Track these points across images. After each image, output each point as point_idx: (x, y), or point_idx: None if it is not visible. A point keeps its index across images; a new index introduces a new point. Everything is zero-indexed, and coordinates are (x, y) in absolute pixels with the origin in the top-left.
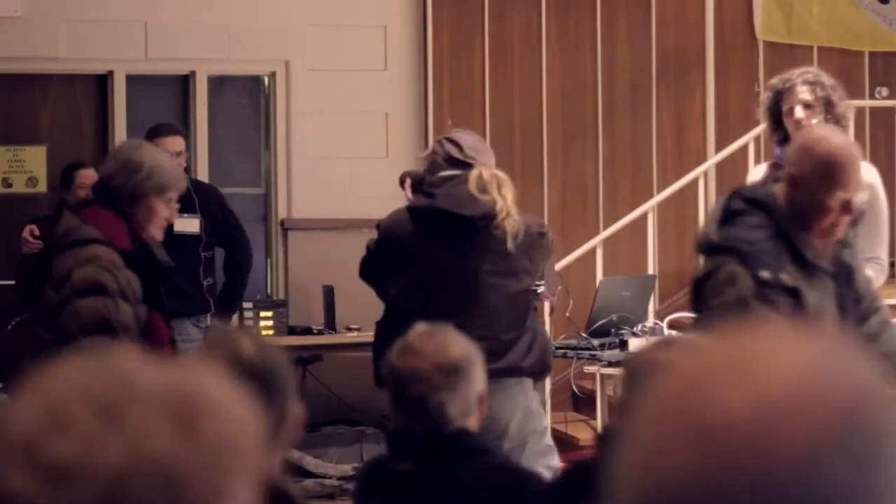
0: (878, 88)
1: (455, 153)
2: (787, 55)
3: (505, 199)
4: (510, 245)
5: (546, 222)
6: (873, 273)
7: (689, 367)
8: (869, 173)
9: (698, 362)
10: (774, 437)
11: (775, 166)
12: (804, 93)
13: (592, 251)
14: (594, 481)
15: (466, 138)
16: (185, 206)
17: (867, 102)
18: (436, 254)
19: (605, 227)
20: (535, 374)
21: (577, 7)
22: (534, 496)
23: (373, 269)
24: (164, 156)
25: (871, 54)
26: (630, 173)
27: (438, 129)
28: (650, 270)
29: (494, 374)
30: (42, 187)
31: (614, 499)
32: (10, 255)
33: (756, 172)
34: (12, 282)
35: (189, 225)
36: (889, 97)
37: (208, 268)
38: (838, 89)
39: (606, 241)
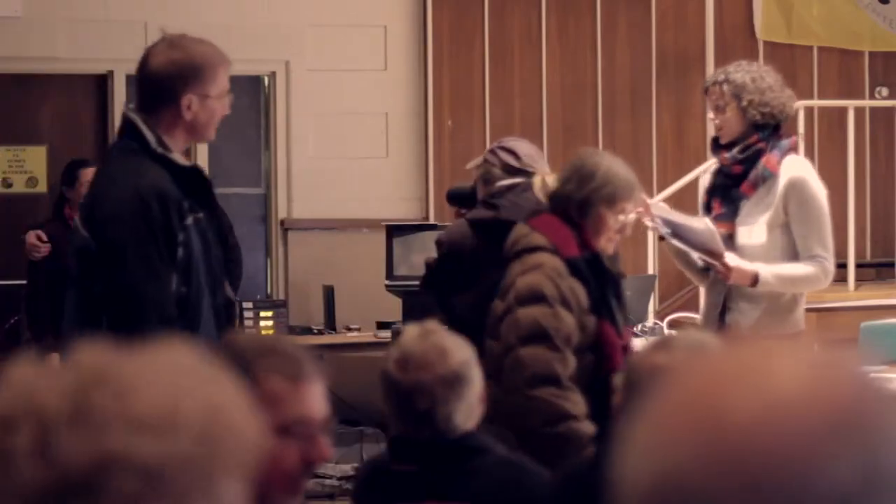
0: (878, 88)
1: (513, 162)
2: (787, 55)
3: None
4: None
5: None
6: (811, 272)
7: (699, 371)
8: (797, 167)
9: (709, 366)
10: (783, 438)
11: (720, 167)
12: (714, 95)
13: None
14: (594, 477)
15: (522, 146)
16: None
17: (867, 102)
18: (502, 266)
19: None
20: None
21: (577, 7)
22: (535, 491)
23: (438, 285)
24: (620, 165)
25: (871, 54)
26: None
27: (438, 129)
28: (650, 270)
29: None
30: (42, 187)
31: (621, 498)
32: (10, 255)
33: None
34: (12, 282)
35: None
36: (889, 97)
37: None
38: (764, 86)
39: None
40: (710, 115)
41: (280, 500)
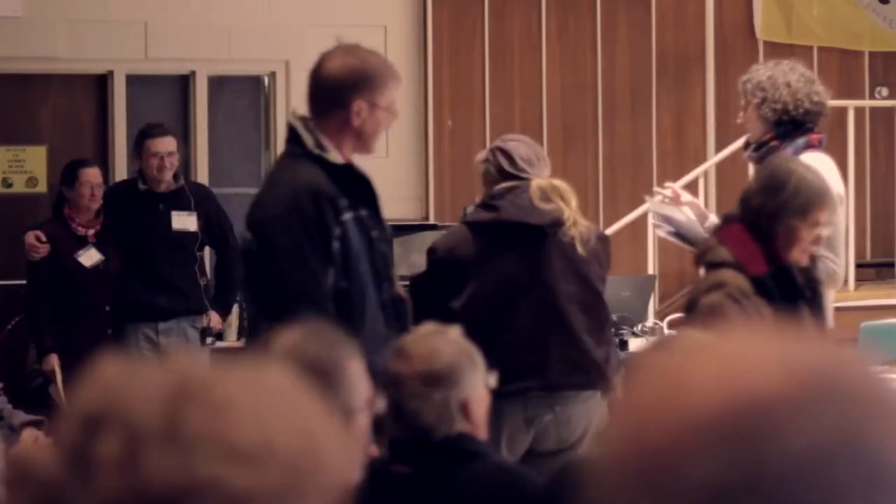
0: (878, 88)
1: (507, 166)
2: (787, 55)
3: (570, 207)
4: (581, 251)
5: None
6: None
7: (669, 362)
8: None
9: (679, 356)
10: (664, 433)
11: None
12: (743, 97)
13: None
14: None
15: (520, 149)
16: (182, 204)
17: (867, 102)
18: (506, 267)
19: (605, 227)
20: (610, 387)
21: (577, 7)
22: (530, 498)
23: (432, 291)
24: (812, 173)
25: (871, 54)
26: (630, 173)
27: (438, 129)
28: (650, 270)
29: (575, 387)
30: (42, 187)
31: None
32: (10, 256)
33: None
34: (12, 282)
35: (187, 223)
36: (889, 97)
37: (201, 267)
38: (779, 85)
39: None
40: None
41: None
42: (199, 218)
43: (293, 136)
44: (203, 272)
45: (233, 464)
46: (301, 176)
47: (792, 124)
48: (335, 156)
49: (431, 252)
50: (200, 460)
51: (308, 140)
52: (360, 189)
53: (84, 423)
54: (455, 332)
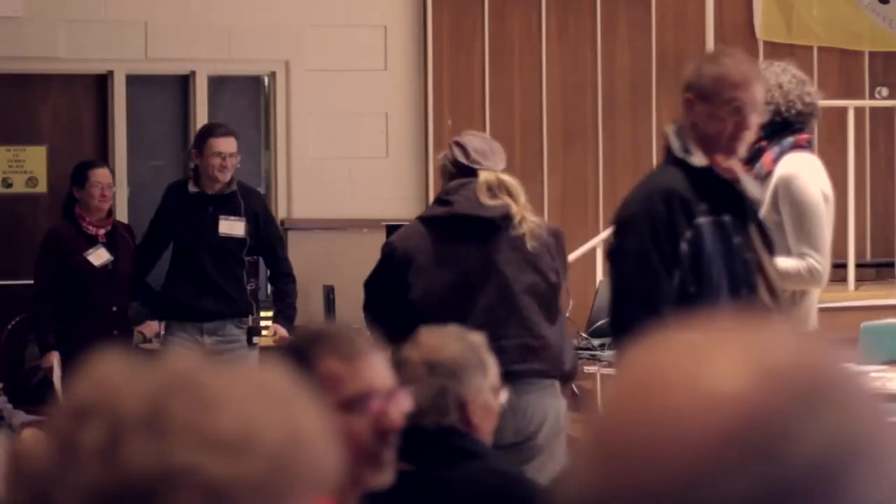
0: (878, 88)
1: (461, 158)
2: (787, 55)
3: (517, 203)
4: (532, 244)
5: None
6: (795, 267)
7: (645, 360)
8: (791, 166)
9: (655, 354)
10: (676, 446)
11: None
12: None
13: (592, 251)
14: None
15: (474, 142)
16: (231, 209)
17: (867, 102)
18: (461, 260)
19: (605, 227)
20: (566, 378)
21: (577, 7)
22: (527, 501)
23: (384, 287)
24: None
25: (871, 54)
26: (630, 173)
27: (438, 129)
28: None
29: (530, 375)
30: (42, 187)
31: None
32: (10, 255)
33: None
34: (12, 282)
35: (234, 227)
36: (889, 97)
37: (251, 271)
38: (771, 87)
39: (606, 242)
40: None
41: (368, 477)
42: (248, 223)
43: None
44: (252, 276)
45: (211, 453)
46: (661, 179)
47: (782, 125)
48: (699, 159)
49: (387, 247)
50: (178, 448)
51: (675, 144)
52: (725, 194)
53: (73, 413)
54: (476, 337)
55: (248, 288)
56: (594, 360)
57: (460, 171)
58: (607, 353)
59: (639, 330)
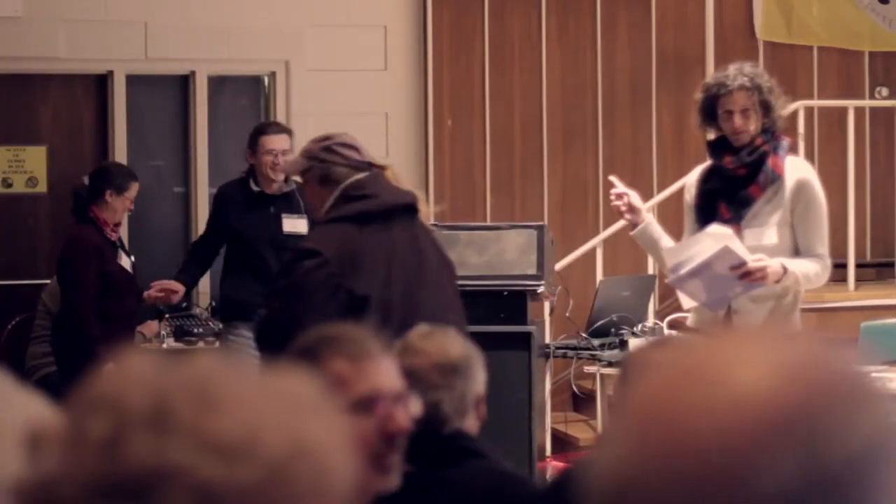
0: (878, 88)
1: (356, 156)
2: (787, 55)
3: (416, 190)
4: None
5: (546, 222)
6: (817, 269)
7: (666, 369)
8: (802, 168)
9: (677, 363)
10: (723, 439)
11: (712, 170)
12: (742, 99)
13: (592, 251)
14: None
15: (354, 139)
16: (293, 207)
17: (867, 102)
18: (398, 250)
19: (605, 227)
20: None
21: (577, 7)
22: (527, 501)
23: (316, 300)
24: None
25: (871, 54)
26: (630, 173)
27: (438, 129)
28: (650, 270)
29: None
30: (42, 187)
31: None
32: (10, 255)
33: (692, 175)
34: (12, 282)
35: (297, 225)
36: (889, 97)
37: None
38: (775, 90)
39: (606, 241)
40: (737, 118)
41: (375, 482)
42: (308, 221)
43: None
44: None
45: (209, 455)
46: None
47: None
48: None
49: (315, 253)
50: (176, 447)
51: None
52: None
53: (87, 403)
54: (455, 332)
55: None
56: (594, 360)
57: (357, 168)
58: (607, 353)
59: None
